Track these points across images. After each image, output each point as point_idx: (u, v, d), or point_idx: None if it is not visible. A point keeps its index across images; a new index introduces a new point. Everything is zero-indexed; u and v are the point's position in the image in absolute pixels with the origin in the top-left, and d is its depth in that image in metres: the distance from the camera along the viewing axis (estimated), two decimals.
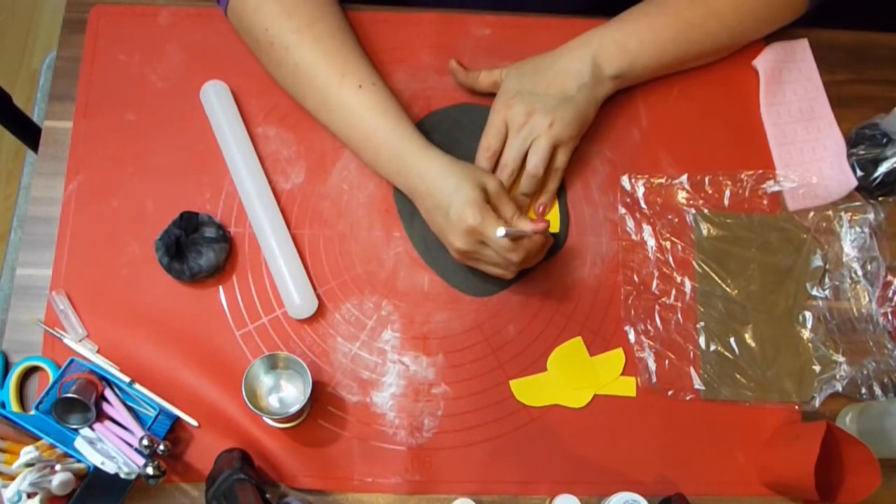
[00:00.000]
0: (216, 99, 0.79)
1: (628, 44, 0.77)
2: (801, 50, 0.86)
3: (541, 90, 0.75)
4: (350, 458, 0.72)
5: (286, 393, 0.70)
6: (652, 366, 0.75)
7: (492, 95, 0.79)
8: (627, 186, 0.80)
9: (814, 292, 0.78)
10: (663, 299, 0.77)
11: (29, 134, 1.01)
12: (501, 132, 0.76)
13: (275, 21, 0.74)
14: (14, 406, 0.71)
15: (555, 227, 0.79)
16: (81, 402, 0.66)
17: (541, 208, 0.79)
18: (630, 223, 0.79)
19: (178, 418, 0.71)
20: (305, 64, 0.74)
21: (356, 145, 0.76)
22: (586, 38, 0.78)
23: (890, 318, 0.78)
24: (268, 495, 0.63)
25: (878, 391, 0.75)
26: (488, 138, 0.77)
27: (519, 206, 0.78)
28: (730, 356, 0.76)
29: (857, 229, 0.80)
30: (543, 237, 0.71)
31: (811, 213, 0.80)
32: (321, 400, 0.73)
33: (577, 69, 0.76)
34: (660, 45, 0.78)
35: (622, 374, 0.75)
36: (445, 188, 0.70)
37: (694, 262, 0.78)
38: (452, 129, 0.81)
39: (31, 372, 0.73)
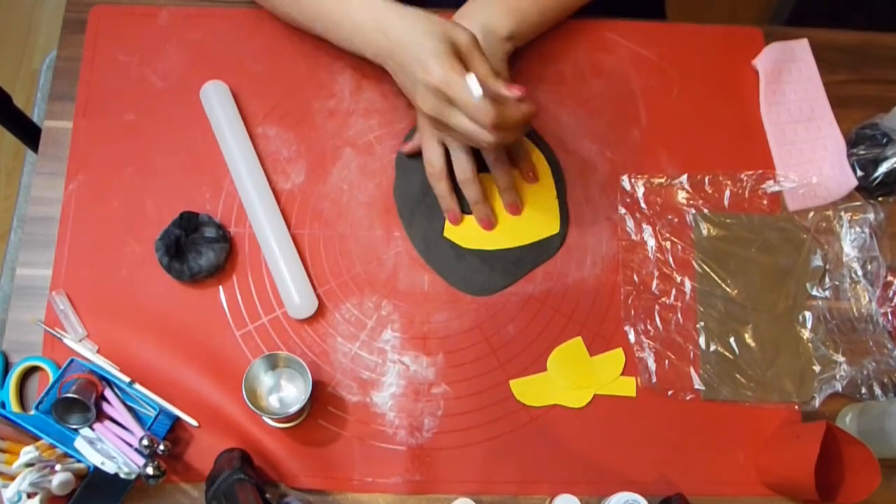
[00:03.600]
0: (216, 99, 0.79)
1: (515, 4, 0.77)
2: (801, 50, 0.86)
3: None
4: (350, 457, 0.72)
5: (286, 393, 0.70)
6: (652, 366, 0.75)
7: None
8: (627, 186, 0.80)
9: (814, 292, 0.78)
10: (663, 299, 0.77)
11: (29, 134, 1.01)
12: (441, 151, 0.75)
13: None
14: (14, 406, 0.71)
15: (555, 228, 0.79)
16: (81, 402, 0.66)
17: (530, 174, 0.79)
18: (630, 223, 0.79)
19: (178, 418, 0.71)
20: None
21: (326, 27, 0.75)
22: (468, 11, 0.77)
23: (890, 317, 0.78)
24: (268, 495, 0.63)
25: (878, 391, 0.75)
26: (433, 162, 0.75)
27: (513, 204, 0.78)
28: (730, 356, 0.76)
29: (857, 229, 0.80)
30: (527, 105, 0.65)
31: (811, 213, 0.80)
32: (321, 400, 0.73)
33: None
34: (542, 1, 0.79)
35: (622, 373, 0.75)
36: (409, 41, 0.65)
37: (694, 262, 0.78)
38: None
39: (31, 372, 0.73)
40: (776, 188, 0.81)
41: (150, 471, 0.65)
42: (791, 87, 0.85)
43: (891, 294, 0.78)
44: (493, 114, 0.62)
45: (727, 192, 0.81)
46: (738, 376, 0.75)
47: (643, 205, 0.80)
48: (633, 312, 0.77)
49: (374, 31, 0.70)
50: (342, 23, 0.73)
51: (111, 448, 0.66)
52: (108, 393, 0.70)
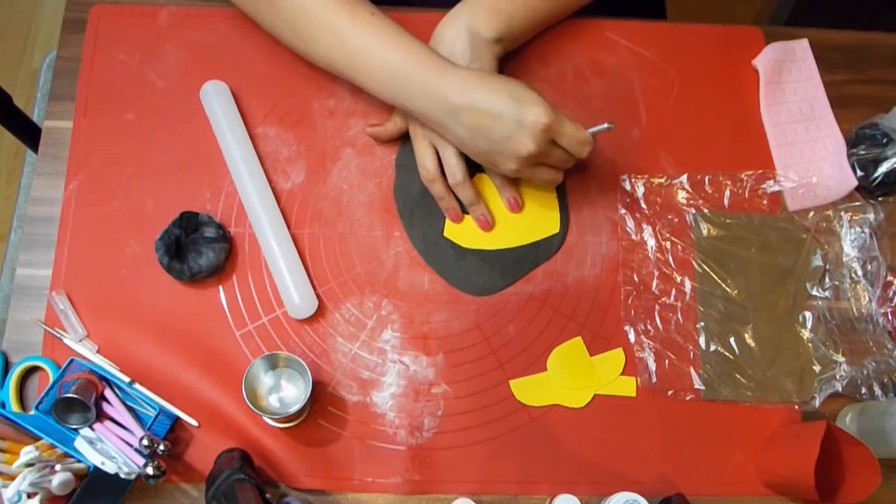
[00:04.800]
0: (216, 99, 0.79)
1: (500, 7, 0.76)
2: (801, 50, 0.86)
3: None
4: (350, 457, 0.72)
5: (286, 393, 0.70)
6: (652, 366, 0.75)
7: None
8: (627, 186, 0.80)
9: (814, 292, 0.78)
10: (663, 299, 0.77)
11: (29, 134, 1.01)
12: (433, 153, 0.76)
13: None
14: (14, 406, 0.71)
15: (555, 228, 0.79)
16: (81, 401, 0.66)
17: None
18: (630, 223, 0.79)
19: (178, 418, 0.71)
20: (311, 1, 0.72)
21: (370, 74, 0.73)
22: (456, 12, 0.77)
23: (890, 317, 0.78)
24: (268, 495, 0.63)
25: (878, 391, 0.75)
26: (426, 166, 0.76)
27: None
28: (730, 356, 0.76)
29: (857, 229, 0.80)
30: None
31: (811, 213, 0.80)
32: (321, 400, 0.73)
33: (459, 48, 0.75)
34: (531, 5, 0.78)
35: (622, 373, 0.75)
36: (500, 97, 0.68)
37: (694, 262, 0.78)
38: None
39: (31, 372, 0.73)
40: (776, 188, 0.81)
41: (150, 471, 0.65)
42: (791, 87, 0.85)
43: (891, 294, 0.78)
44: (590, 146, 0.70)
45: (727, 192, 0.81)
46: (738, 376, 0.75)
47: (643, 205, 0.80)
48: (633, 312, 0.77)
49: (449, 87, 0.69)
50: (398, 72, 0.71)
51: (111, 448, 0.66)
52: (108, 393, 0.70)
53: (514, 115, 0.67)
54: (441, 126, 0.72)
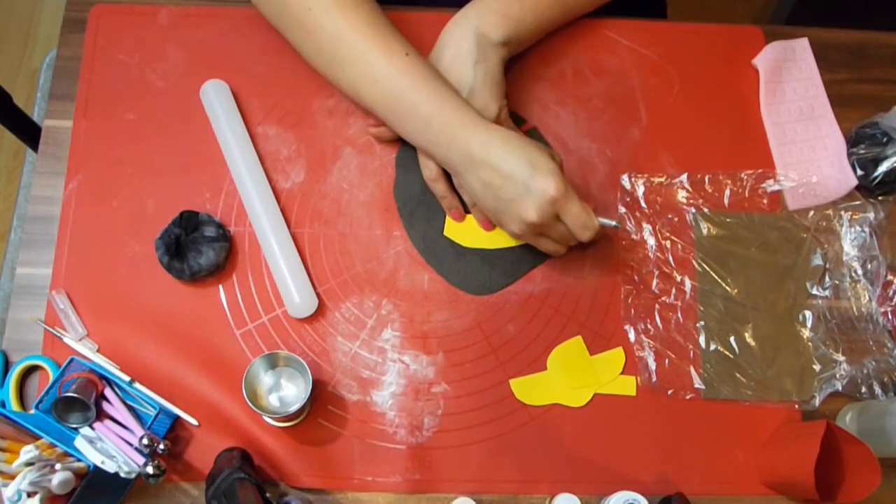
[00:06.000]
0: (216, 98, 0.79)
1: (508, 11, 0.77)
2: (801, 49, 0.86)
3: None
4: (350, 456, 0.72)
5: (286, 392, 0.70)
6: (652, 365, 0.75)
7: None
8: (627, 186, 0.80)
9: (814, 291, 0.78)
10: (663, 298, 0.77)
11: (29, 133, 1.01)
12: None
13: None
14: (14, 405, 0.71)
15: None
16: (81, 401, 0.66)
17: None
18: (630, 222, 0.79)
19: (178, 417, 0.71)
20: (347, 31, 0.71)
21: (398, 116, 0.72)
22: (464, 14, 0.77)
23: (890, 317, 0.78)
24: (268, 494, 0.63)
25: (878, 390, 0.75)
26: (429, 165, 0.76)
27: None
28: (730, 355, 0.76)
29: (857, 228, 0.80)
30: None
31: (811, 213, 0.80)
32: (321, 399, 0.73)
33: (465, 49, 0.75)
34: (539, 10, 0.79)
35: (622, 373, 0.75)
36: (517, 159, 0.67)
37: (694, 262, 0.78)
38: None
39: (31, 371, 0.73)
40: (776, 187, 0.81)
41: (150, 470, 0.65)
42: (791, 86, 0.85)
43: (891, 293, 0.78)
44: (592, 233, 0.69)
45: (727, 192, 0.81)
46: (738, 375, 0.75)
47: (643, 204, 0.80)
48: (632, 311, 0.77)
49: (472, 139, 0.69)
50: (431, 119, 0.70)
51: (111, 447, 0.66)
52: (108, 392, 0.70)
53: (524, 180, 0.67)
54: (458, 174, 0.72)
